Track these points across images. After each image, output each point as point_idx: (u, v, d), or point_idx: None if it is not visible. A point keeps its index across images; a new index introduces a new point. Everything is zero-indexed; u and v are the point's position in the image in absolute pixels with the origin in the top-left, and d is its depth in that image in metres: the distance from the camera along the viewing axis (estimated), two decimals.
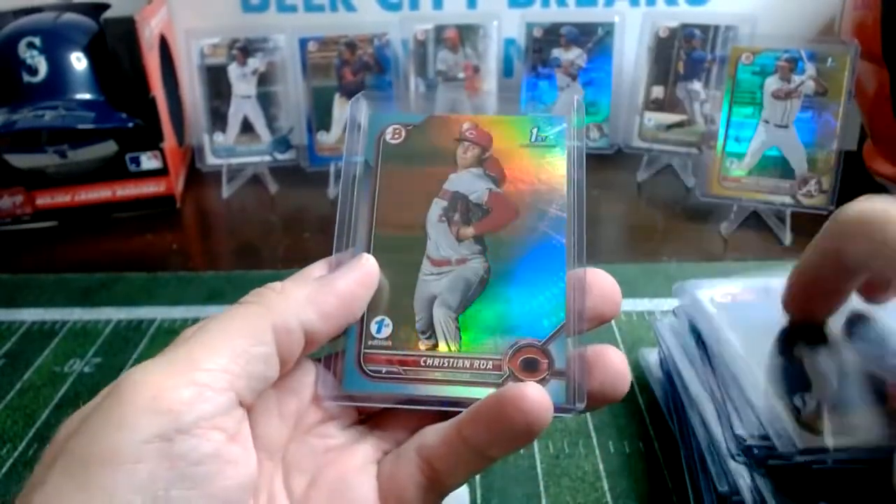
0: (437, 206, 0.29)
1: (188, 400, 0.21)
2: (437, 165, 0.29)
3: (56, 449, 0.21)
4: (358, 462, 0.26)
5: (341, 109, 0.74)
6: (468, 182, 0.29)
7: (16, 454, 0.40)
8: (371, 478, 0.25)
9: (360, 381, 0.26)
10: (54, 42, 0.67)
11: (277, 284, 0.25)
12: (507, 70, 0.81)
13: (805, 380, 0.31)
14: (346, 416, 0.27)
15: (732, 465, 0.31)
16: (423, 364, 0.26)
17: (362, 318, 0.27)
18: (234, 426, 0.23)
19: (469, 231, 0.28)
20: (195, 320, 0.53)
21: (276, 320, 0.24)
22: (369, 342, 0.27)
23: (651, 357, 0.45)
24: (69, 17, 0.70)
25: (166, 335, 0.51)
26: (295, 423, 0.26)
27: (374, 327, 0.27)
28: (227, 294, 0.56)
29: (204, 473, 0.21)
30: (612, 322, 0.49)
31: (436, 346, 0.27)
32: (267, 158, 0.76)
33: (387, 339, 0.27)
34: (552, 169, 0.29)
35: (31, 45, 0.66)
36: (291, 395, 0.26)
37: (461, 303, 0.27)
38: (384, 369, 0.26)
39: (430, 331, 0.27)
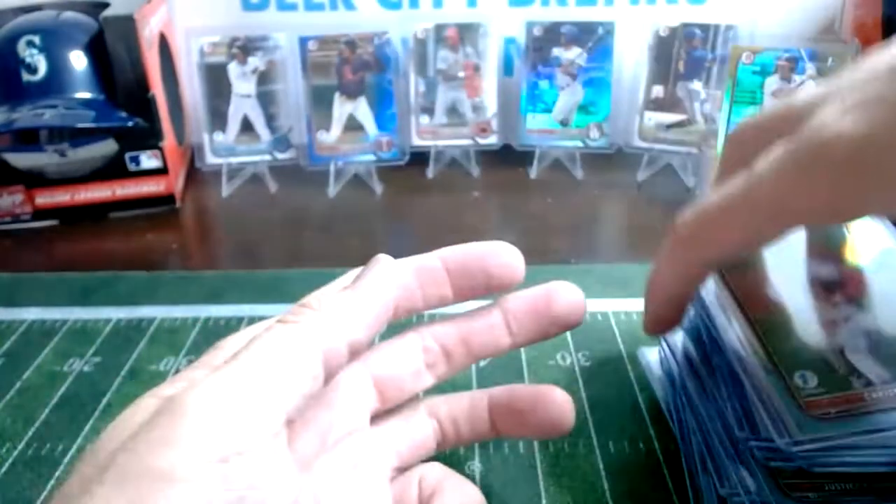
0: (798, 288, 0.33)
1: (243, 421, 0.22)
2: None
3: (103, 461, 0.21)
4: (380, 481, 0.29)
5: (341, 108, 0.74)
6: (818, 266, 0.34)
7: (15, 453, 0.40)
8: (388, 499, 0.29)
9: (814, 424, 0.27)
10: (54, 40, 0.66)
11: (314, 301, 0.26)
12: (507, 69, 0.80)
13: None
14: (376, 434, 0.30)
15: (733, 465, 0.31)
16: (868, 399, 0.27)
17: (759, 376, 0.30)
18: (282, 447, 0.24)
19: (836, 298, 0.32)
20: (195, 319, 0.53)
21: (324, 342, 0.25)
22: (801, 392, 0.28)
23: (651, 356, 0.45)
24: (69, 15, 0.70)
25: (166, 334, 0.51)
26: (325, 434, 0.27)
27: (798, 380, 0.29)
28: (227, 293, 0.56)
29: (256, 498, 0.21)
30: (613, 322, 0.49)
31: (871, 382, 0.28)
32: (267, 157, 0.76)
33: (818, 387, 0.28)
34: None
35: (30, 44, 0.66)
36: (325, 409, 0.27)
37: (870, 344, 0.29)
38: (832, 411, 0.27)
39: (856, 372, 0.28)
